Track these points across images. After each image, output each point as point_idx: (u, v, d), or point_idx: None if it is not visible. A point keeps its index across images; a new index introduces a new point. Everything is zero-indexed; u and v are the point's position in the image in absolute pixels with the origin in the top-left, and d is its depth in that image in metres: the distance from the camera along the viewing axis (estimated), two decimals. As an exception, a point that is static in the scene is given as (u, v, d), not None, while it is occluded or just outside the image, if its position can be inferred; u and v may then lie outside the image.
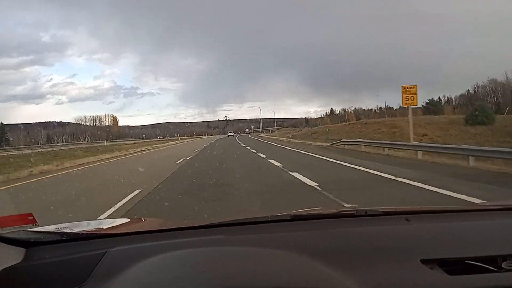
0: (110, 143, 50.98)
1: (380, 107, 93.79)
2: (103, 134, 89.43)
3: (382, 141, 17.72)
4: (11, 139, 71.63)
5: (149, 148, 31.90)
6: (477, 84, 66.84)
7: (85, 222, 1.59)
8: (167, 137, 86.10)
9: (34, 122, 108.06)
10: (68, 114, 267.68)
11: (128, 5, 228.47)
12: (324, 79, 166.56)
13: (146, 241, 1.18)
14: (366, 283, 0.92)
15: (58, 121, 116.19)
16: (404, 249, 1.11)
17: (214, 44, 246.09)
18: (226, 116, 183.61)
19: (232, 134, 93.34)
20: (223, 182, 8.37)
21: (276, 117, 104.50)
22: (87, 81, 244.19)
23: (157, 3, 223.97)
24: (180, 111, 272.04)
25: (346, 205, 4.88)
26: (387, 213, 1.44)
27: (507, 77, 59.85)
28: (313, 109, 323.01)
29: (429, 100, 63.55)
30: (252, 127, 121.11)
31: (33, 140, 76.71)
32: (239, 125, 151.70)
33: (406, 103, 16.04)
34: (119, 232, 1.34)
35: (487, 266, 1.01)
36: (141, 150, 27.97)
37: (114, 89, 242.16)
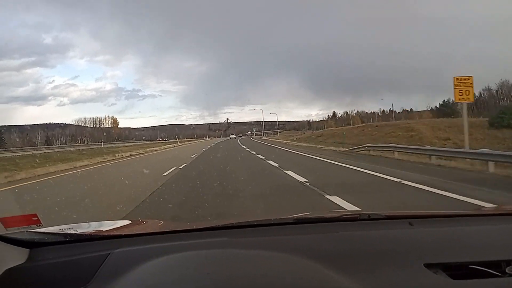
0: (107, 146, 48.59)
1: (383, 110, 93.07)
2: (102, 136, 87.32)
3: (428, 147, 14.13)
4: (6, 140, 70.15)
5: (140, 152, 28.24)
6: (488, 86, 63.67)
7: (88, 223, 1.60)
8: (166, 139, 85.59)
9: (35, 123, 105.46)
10: (69, 116, 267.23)
11: (129, 7, 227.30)
12: (326, 82, 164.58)
13: (149, 243, 1.17)
14: (369, 287, 0.91)
15: (59, 122, 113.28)
16: (407, 253, 1.10)
17: (215, 46, 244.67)
18: (227, 119, 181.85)
19: (235, 136, 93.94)
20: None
21: (277, 120, 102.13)
22: (88, 83, 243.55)
23: (159, 5, 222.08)
24: (182, 113, 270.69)
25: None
26: (390, 217, 1.45)
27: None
28: (314, 112, 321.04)
29: (443, 101, 60.61)
30: (254, 129, 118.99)
31: (30, 142, 76.00)
32: (241, 127, 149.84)
33: (460, 99, 12.52)
34: (123, 233, 1.34)
35: (490, 271, 0.99)
36: (131, 155, 24.51)
37: (116, 91, 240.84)
